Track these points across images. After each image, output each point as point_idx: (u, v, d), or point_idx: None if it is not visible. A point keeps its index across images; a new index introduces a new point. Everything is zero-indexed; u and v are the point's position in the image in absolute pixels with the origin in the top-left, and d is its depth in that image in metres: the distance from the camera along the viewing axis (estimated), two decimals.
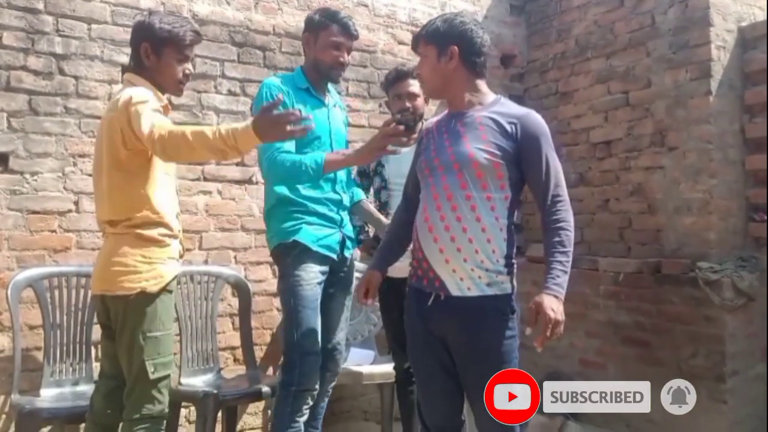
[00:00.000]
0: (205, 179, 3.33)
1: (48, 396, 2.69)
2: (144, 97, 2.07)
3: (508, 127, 1.99)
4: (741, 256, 3.34)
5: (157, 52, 2.19)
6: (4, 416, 2.81)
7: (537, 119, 2.04)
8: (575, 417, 3.81)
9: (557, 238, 1.97)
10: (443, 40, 2.04)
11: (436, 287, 2.02)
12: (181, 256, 2.32)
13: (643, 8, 3.73)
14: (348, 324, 2.75)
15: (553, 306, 1.88)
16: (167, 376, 2.18)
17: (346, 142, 2.75)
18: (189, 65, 2.27)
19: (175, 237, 2.23)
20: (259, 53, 3.49)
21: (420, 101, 2.97)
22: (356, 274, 3.60)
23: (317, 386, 2.48)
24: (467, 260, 1.98)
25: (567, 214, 2.00)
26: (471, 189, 1.98)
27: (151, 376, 2.11)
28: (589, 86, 4.06)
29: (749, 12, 3.51)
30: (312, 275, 2.46)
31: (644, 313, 3.58)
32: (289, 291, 2.46)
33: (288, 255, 2.47)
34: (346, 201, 2.67)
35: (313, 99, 2.57)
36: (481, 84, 2.11)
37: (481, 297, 1.98)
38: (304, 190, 2.49)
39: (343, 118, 2.75)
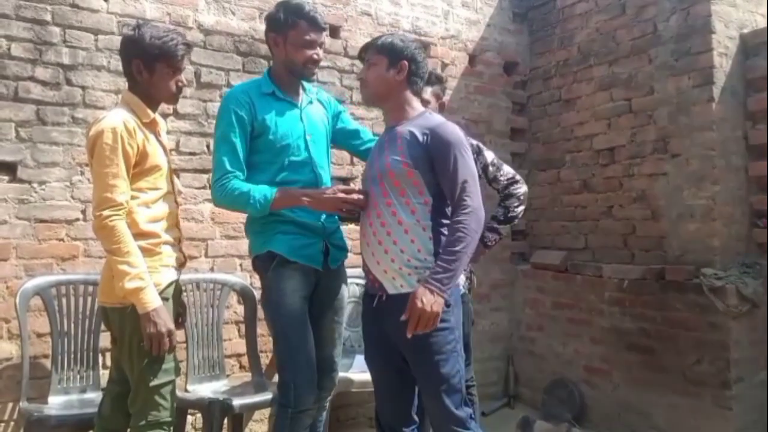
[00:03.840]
0: (211, 187, 3.35)
1: (56, 403, 2.71)
2: (113, 138, 2.08)
3: (420, 138, 2.15)
4: (745, 262, 3.35)
5: (149, 69, 2.20)
6: (12, 423, 2.83)
7: (448, 129, 2.17)
8: (579, 423, 3.81)
9: (451, 238, 2.08)
10: (397, 54, 2.22)
11: (376, 288, 2.19)
12: (181, 265, 2.33)
13: (645, 16, 3.75)
14: (342, 340, 2.63)
15: (425, 298, 1.99)
16: (169, 382, 2.19)
17: (328, 138, 2.59)
18: (182, 76, 2.29)
19: (170, 245, 2.25)
20: (263, 62, 3.51)
21: (431, 108, 2.98)
22: (357, 281, 3.62)
23: (315, 403, 2.40)
24: (394, 260, 2.13)
25: (468, 218, 2.07)
26: (391, 196, 2.16)
27: (151, 383, 2.13)
28: (592, 93, 4.08)
29: (751, 19, 3.52)
30: (295, 288, 2.33)
31: (649, 319, 3.58)
32: (273, 308, 2.36)
33: (267, 268, 2.35)
34: None
35: (280, 102, 2.42)
36: (415, 101, 2.29)
37: (412, 292, 2.07)
38: None
39: (323, 113, 2.57)
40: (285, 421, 2.32)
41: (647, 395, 3.57)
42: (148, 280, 2.08)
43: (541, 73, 4.47)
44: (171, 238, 2.26)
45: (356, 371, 3.33)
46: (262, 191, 2.27)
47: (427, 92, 2.98)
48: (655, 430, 3.54)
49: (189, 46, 2.33)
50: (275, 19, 2.40)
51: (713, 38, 3.38)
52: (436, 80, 3.03)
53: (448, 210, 2.16)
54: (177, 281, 2.28)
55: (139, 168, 2.15)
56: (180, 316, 2.48)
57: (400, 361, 2.20)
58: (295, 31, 2.37)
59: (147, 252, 2.13)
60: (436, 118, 2.24)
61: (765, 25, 3.48)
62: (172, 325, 2.12)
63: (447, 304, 2.08)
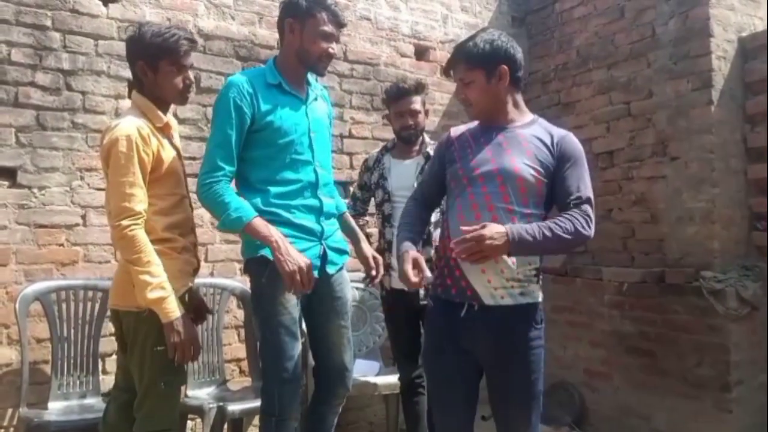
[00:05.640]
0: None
1: (56, 409, 2.71)
2: (128, 146, 2.04)
3: (552, 147, 2.01)
4: (744, 265, 3.35)
5: (153, 68, 2.15)
6: (12, 429, 2.83)
7: (576, 140, 2.07)
8: (580, 426, 3.81)
9: (558, 220, 1.94)
10: (492, 61, 2.01)
11: (468, 296, 1.99)
12: (195, 270, 2.30)
13: (643, 20, 3.76)
14: (352, 344, 2.53)
15: (495, 231, 1.83)
16: (178, 390, 2.18)
17: (330, 137, 2.54)
18: (189, 74, 2.22)
19: (187, 250, 2.22)
20: (254, 68, 3.51)
21: (421, 117, 3.00)
22: (356, 285, 3.63)
23: (299, 412, 2.33)
24: (504, 271, 1.96)
25: (582, 223, 1.97)
26: (513, 203, 1.97)
27: (161, 389, 2.11)
28: (591, 97, 4.08)
29: (749, 22, 3.53)
30: (289, 297, 2.24)
31: (649, 322, 3.58)
32: (264, 316, 2.29)
33: (261, 273, 2.25)
34: (330, 207, 2.40)
35: (286, 96, 2.31)
36: (520, 98, 2.12)
37: (514, 306, 1.98)
38: (277, 197, 2.26)
39: (326, 110, 2.50)
40: (270, 429, 2.27)
41: (647, 398, 3.57)
42: (170, 289, 2.04)
43: (540, 77, 4.47)
44: (188, 242, 2.23)
45: (356, 375, 3.33)
46: (240, 212, 2.15)
47: (417, 102, 2.99)
48: None
49: (192, 41, 2.24)
50: (296, 4, 2.28)
51: (712, 42, 3.39)
52: (422, 89, 3.04)
53: None
54: (191, 288, 2.26)
55: (155, 174, 2.12)
56: (201, 317, 2.45)
57: (472, 374, 2.08)
58: (315, 20, 2.27)
59: (166, 256, 2.10)
60: (555, 127, 2.09)
61: (763, 29, 3.49)
62: (195, 333, 2.10)
63: (541, 320, 2.03)
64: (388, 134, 3.81)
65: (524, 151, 2.00)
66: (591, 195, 2.03)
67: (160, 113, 2.20)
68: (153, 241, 2.07)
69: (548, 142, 2.01)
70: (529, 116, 2.11)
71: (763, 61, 3.35)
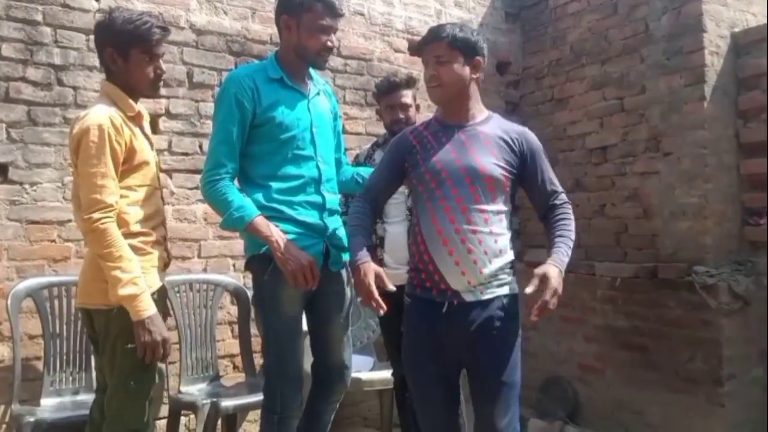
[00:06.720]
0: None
1: (48, 406, 2.70)
2: (100, 135, 1.98)
3: (513, 143, 2.08)
4: (737, 260, 3.36)
5: (123, 56, 2.07)
6: (4, 426, 2.82)
7: (534, 136, 2.17)
8: (574, 421, 3.82)
9: (569, 226, 2.11)
10: (472, 49, 2.08)
11: (449, 296, 2.02)
12: (165, 265, 2.25)
13: (636, 15, 3.76)
14: (350, 341, 2.52)
15: (555, 276, 1.95)
16: (150, 388, 2.11)
17: (335, 134, 2.50)
18: (161, 63, 2.15)
19: (159, 244, 2.16)
20: (256, 62, 3.50)
21: (412, 111, 2.99)
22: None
23: (301, 409, 2.34)
24: (482, 272, 2.00)
25: (569, 210, 2.14)
26: (484, 203, 2.02)
27: (130, 389, 2.05)
28: (584, 92, 4.08)
29: (742, 18, 3.54)
30: (293, 295, 2.22)
31: (642, 317, 3.60)
32: (267, 314, 2.28)
33: (263, 271, 2.22)
34: (334, 203, 2.37)
35: (288, 90, 2.28)
36: (479, 97, 2.17)
37: (494, 298, 2.03)
38: (279, 193, 2.22)
39: (329, 106, 2.47)
40: (272, 426, 2.27)
41: (641, 393, 3.58)
42: (143, 284, 1.99)
43: (534, 73, 4.47)
44: (159, 236, 2.18)
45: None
46: (242, 211, 2.14)
47: (408, 96, 2.98)
48: (648, 428, 3.55)
49: (165, 29, 2.16)
50: None
51: (705, 37, 3.39)
52: (413, 83, 3.03)
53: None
54: (163, 284, 2.22)
55: (127, 165, 2.06)
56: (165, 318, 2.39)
57: (454, 372, 2.12)
58: (311, 15, 2.22)
59: (139, 251, 2.04)
60: (511, 123, 2.19)
61: (755, 24, 3.49)
62: (166, 333, 2.04)
63: (516, 311, 2.09)
64: (382, 130, 3.81)
65: (488, 149, 2.06)
66: (559, 184, 2.18)
67: (131, 102, 2.13)
68: (126, 235, 2.01)
69: (508, 139, 2.09)
70: (486, 113, 2.17)
71: (755, 57, 3.36)
